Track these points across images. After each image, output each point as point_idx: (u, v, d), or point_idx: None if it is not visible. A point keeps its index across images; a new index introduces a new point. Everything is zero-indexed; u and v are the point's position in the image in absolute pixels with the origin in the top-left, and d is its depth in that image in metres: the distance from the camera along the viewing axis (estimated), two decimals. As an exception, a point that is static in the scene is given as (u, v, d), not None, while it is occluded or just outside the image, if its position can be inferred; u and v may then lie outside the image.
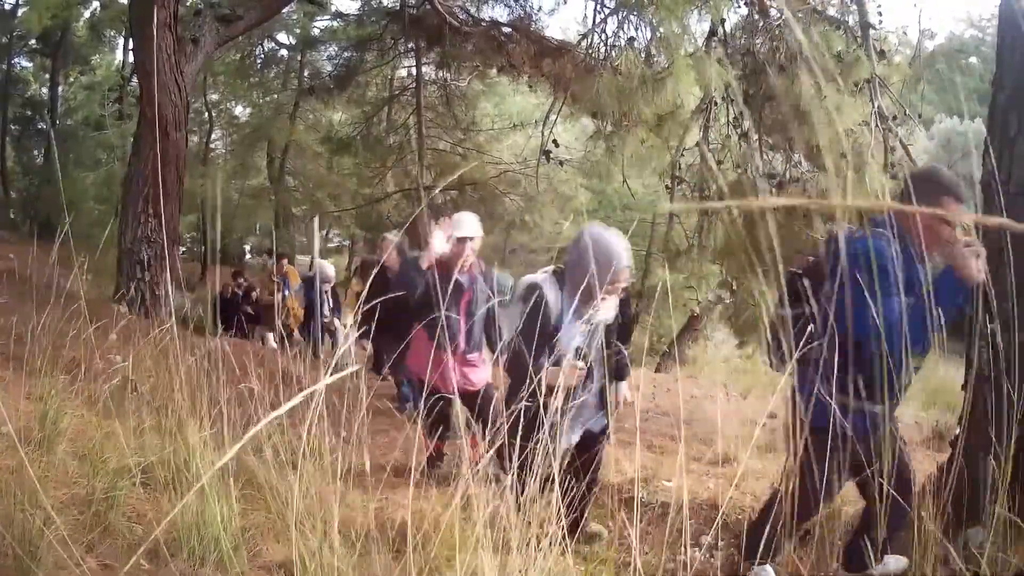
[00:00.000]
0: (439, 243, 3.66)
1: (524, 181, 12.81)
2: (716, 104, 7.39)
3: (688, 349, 12.17)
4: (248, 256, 21.57)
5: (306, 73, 16.13)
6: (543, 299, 2.76)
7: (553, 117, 8.58)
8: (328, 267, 8.44)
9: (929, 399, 7.86)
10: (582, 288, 2.52)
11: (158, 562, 2.14)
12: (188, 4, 9.28)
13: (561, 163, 9.59)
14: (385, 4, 12.73)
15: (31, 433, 2.66)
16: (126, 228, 7.34)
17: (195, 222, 18.72)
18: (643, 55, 7.16)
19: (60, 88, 19.38)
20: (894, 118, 6.56)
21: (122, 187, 7.88)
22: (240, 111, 18.18)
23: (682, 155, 8.03)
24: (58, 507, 2.22)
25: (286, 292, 8.70)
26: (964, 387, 2.93)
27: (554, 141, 8.47)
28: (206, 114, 17.52)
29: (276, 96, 16.46)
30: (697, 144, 7.88)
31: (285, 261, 9.28)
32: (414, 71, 12.99)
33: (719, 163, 7.57)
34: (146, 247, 7.24)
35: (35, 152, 20.64)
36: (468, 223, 3.70)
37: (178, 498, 2.27)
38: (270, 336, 8.93)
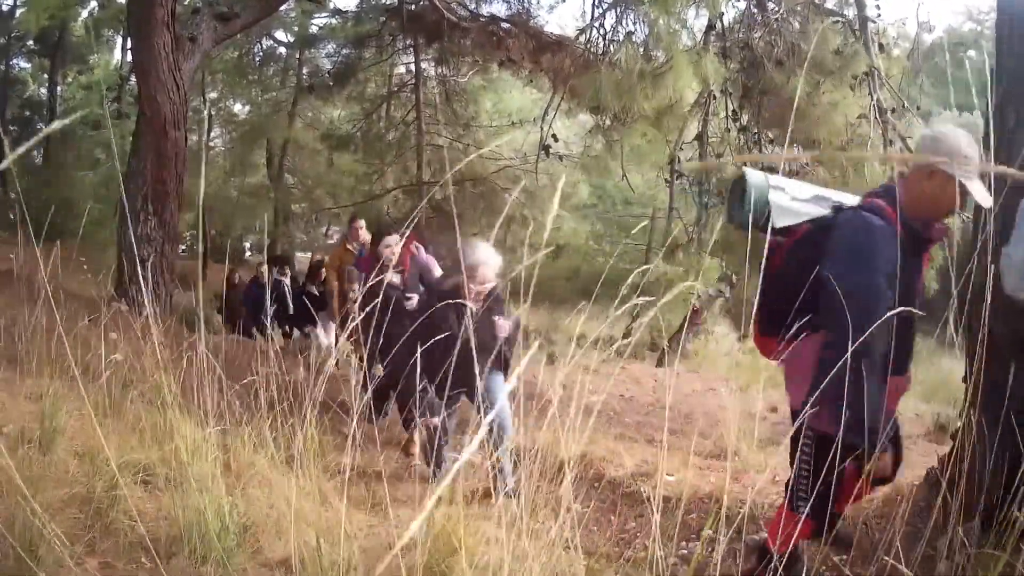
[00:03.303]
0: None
1: (524, 176, 12.81)
2: (715, 98, 7.38)
3: (689, 343, 12.17)
4: (248, 254, 21.55)
5: (305, 71, 16.12)
6: None
7: (552, 113, 8.57)
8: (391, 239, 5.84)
9: (930, 392, 7.87)
10: None
11: (159, 560, 2.15)
12: (186, 3, 9.26)
13: (560, 158, 9.58)
14: (384, 1, 12.71)
15: (31, 432, 2.66)
16: (126, 227, 7.34)
17: (195, 220, 18.73)
18: (641, 50, 7.15)
19: (59, 88, 19.39)
20: (892, 111, 6.55)
21: (122, 186, 7.86)
22: (239, 109, 18.20)
23: (681, 149, 8.02)
24: (58, 506, 2.23)
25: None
26: (965, 379, 2.93)
27: (553, 136, 8.45)
28: (205, 112, 17.51)
29: (275, 94, 16.46)
30: (696, 138, 7.87)
31: (361, 223, 6.34)
32: (413, 67, 13.01)
33: (718, 156, 7.57)
34: (146, 246, 7.24)
35: (34, 152, 20.64)
36: None
37: (179, 496, 2.28)
38: (321, 333, 6.98)
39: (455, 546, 2.00)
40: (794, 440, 2.24)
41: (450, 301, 3.18)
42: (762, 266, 2.25)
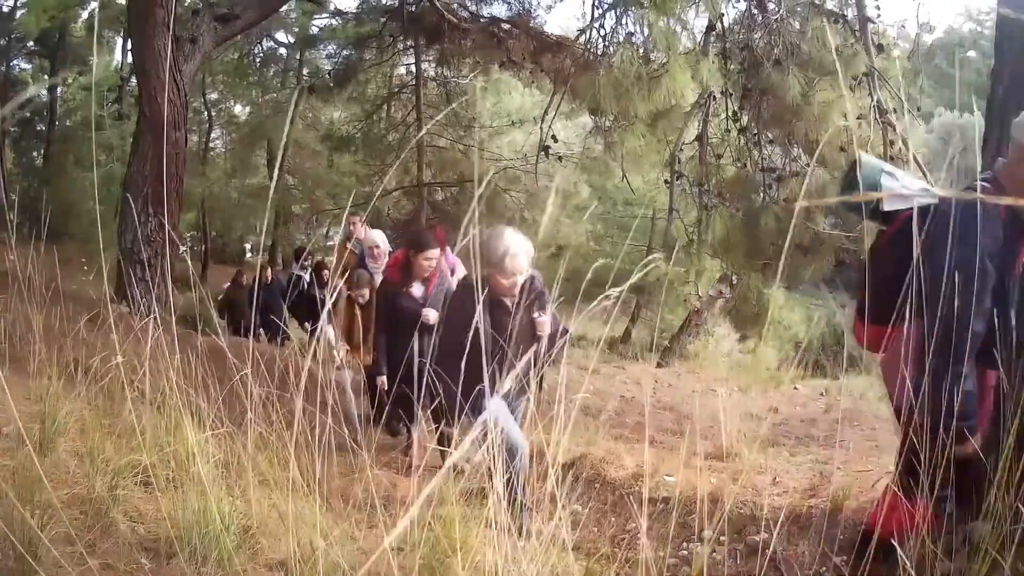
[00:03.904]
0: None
1: (524, 177, 12.80)
2: (715, 99, 7.37)
3: (689, 344, 12.18)
4: (248, 255, 21.53)
5: (305, 71, 16.13)
6: None
7: (552, 113, 8.56)
8: (377, 236, 5.23)
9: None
10: None
11: (159, 560, 2.15)
12: (186, 3, 9.27)
13: (560, 159, 9.57)
14: (384, 2, 12.72)
15: (31, 433, 2.66)
16: (126, 228, 7.34)
17: (195, 221, 18.76)
18: (641, 51, 7.14)
19: (59, 89, 19.41)
20: (893, 111, 6.53)
21: (122, 187, 7.87)
22: (239, 110, 18.23)
23: (681, 150, 8.02)
24: (59, 507, 2.23)
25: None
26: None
27: (553, 136, 8.44)
28: (205, 113, 17.54)
29: (275, 95, 16.47)
30: (696, 139, 7.86)
31: (356, 220, 5.86)
32: (413, 68, 13.02)
33: (718, 157, 7.56)
34: (146, 247, 7.24)
35: (34, 154, 20.68)
36: None
37: (179, 497, 2.27)
38: (331, 330, 6.23)
39: (453, 546, 1.99)
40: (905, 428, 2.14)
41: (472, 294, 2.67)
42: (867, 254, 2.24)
